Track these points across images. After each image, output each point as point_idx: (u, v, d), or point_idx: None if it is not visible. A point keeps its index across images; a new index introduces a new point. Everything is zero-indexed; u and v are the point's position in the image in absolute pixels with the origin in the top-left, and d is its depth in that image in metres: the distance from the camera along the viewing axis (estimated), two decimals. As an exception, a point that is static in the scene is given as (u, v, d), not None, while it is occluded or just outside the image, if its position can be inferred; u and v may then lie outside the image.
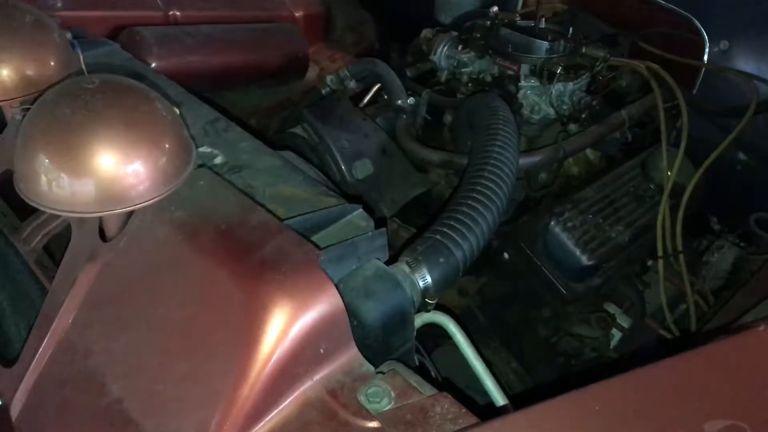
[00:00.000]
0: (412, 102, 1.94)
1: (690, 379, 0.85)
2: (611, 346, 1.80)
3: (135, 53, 1.73)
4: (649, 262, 1.94)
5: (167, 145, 0.94)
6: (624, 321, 1.81)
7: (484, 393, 1.06)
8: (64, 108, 0.89)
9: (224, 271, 0.91)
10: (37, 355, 1.03)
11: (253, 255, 0.91)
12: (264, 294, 0.87)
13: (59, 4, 1.87)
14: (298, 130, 1.84)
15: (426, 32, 2.14)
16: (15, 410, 1.04)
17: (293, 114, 1.96)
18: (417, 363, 1.25)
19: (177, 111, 1.02)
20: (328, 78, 2.06)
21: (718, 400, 0.83)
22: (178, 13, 2.13)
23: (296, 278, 0.89)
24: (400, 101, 1.92)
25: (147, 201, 0.94)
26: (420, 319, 1.13)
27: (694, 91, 2.10)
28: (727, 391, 0.83)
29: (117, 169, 0.90)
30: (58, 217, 1.25)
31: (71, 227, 1.14)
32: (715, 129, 2.00)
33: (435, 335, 1.21)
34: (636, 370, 0.85)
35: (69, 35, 1.25)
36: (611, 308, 1.82)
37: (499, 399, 1.07)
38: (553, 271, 1.71)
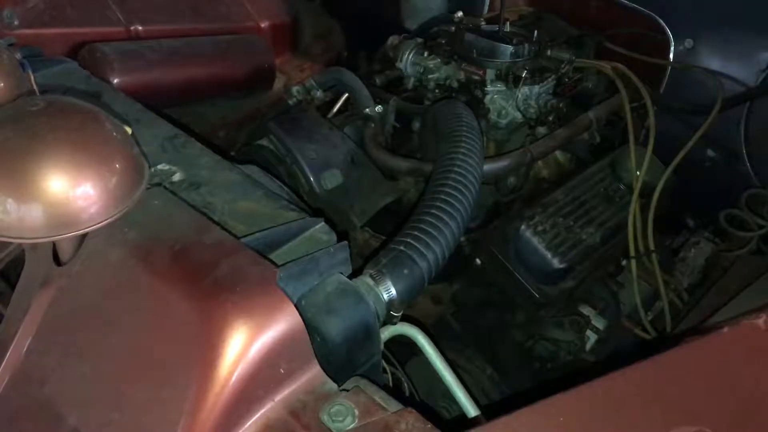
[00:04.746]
0: (379, 110, 1.92)
1: (655, 385, 0.84)
2: (587, 349, 1.80)
3: (96, 70, 1.70)
4: (623, 262, 1.94)
5: (117, 165, 0.92)
6: (599, 322, 1.81)
7: (461, 402, 1.05)
8: (7, 132, 0.86)
9: (178, 293, 0.89)
10: (-8, 386, 1.00)
11: (207, 276, 0.89)
12: (219, 316, 0.85)
13: (16, 23, 1.83)
14: (264, 142, 1.82)
15: (392, 39, 2.13)
16: (-31, 443, 1.01)
17: (260, 126, 1.94)
18: (389, 375, 1.24)
19: (128, 130, 1.00)
20: (294, 88, 2.04)
21: (683, 406, 0.82)
22: (140, 28, 2.10)
23: (252, 298, 0.87)
24: (367, 110, 1.91)
25: (98, 223, 0.91)
26: (387, 332, 1.11)
27: (661, 90, 2.11)
28: (691, 396, 0.83)
29: (65, 192, 0.88)
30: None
31: (25, 252, 1.11)
32: (683, 127, 2.01)
33: (411, 345, 1.19)
34: (601, 378, 0.84)
35: (19, 55, 1.22)
36: (586, 310, 1.81)
37: (471, 410, 1.06)
38: (525, 275, 1.70)
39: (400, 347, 1.22)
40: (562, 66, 1.90)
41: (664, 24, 2.11)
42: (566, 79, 1.94)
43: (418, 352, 1.51)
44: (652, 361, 0.86)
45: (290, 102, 2.06)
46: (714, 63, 2.04)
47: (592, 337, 1.80)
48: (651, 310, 1.95)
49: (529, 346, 1.78)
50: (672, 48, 2.09)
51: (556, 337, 1.75)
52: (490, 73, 1.86)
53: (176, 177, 1.17)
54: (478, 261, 1.75)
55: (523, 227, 1.71)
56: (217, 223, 1.00)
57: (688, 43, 2.07)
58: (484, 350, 1.80)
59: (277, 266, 0.93)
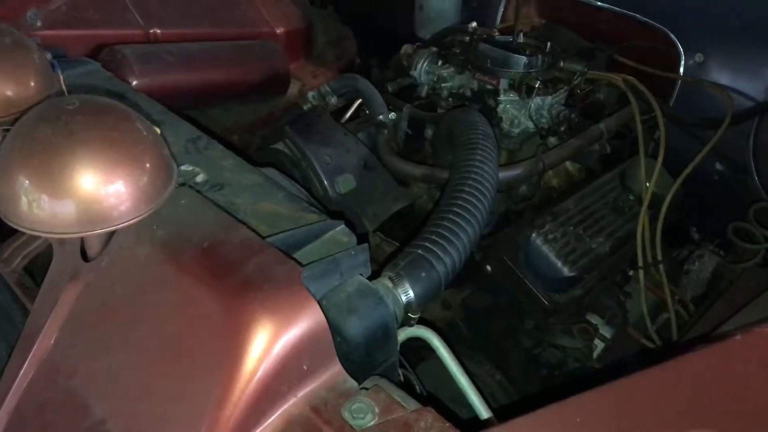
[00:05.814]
0: (393, 117, 1.95)
1: (668, 390, 0.86)
2: (594, 357, 1.82)
3: (116, 72, 1.73)
4: (630, 273, 1.96)
5: (148, 165, 0.94)
6: (606, 331, 1.83)
7: (470, 406, 1.07)
8: (44, 129, 0.89)
9: (206, 290, 0.91)
10: (19, 377, 1.02)
11: (235, 273, 0.91)
12: (246, 312, 0.87)
13: (39, 23, 1.86)
14: (279, 146, 1.85)
15: (406, 48, 2.16)
16: (-5, 433, 1.03)
17: (275, 130, 1.96)
18: (401, 377, 1.25)
19: (158, 130, 1.02)
20: (310, 94, 2.07)
21: (695, 411, 0.84)
22: (159, 31, 2.13)
23: (278, 296, 0.89)
24: (381, 116, 1.94)
25: (128, 221, 0.93)
26: (403, 334, 1.13)
27: (671, 103, 2.14)
28: (704, 401, 0.85)
29: (98, 189, 0.90)
30: (38, 237, 1.25)
31: (53, 247, 1.13)
32: (693, 140, 2.03)
33: (420, 348, 1.21)
34: (616, 382, 0.86)
35: (49, 55, 1.25)
36: (593, 319, 1.83)
37: (483, 412, 1.08)
38: (535, 282, 1.72)
39: (409, 352, 1.23)
40: (575, 77, 1.93)
41: (674, 38, 2.14)
42: (578, 91, 1.96)
43: (426, 357, 1.54)
44: (666, 365, 0.88)
45: (305, 107, 2.08)
46: (724, 77, 2.06)
47: (599, 346, 1.82)
48: (655, 321, 1.97)
49: (538, 352, 1.80)
50: (682, 62, 2.12)
51: (564, 344, 1.77)
52: (503, 83, 1.89)
53: (199, 178, 1.19)
54: (488, 267, 1.77)
55: (533, 235, 1.74)
56: (243, 223, 1.03)
57: (699, 57, 2.10)
58: (493, 356, 1.82)
59: (302, 266, 0.95)
